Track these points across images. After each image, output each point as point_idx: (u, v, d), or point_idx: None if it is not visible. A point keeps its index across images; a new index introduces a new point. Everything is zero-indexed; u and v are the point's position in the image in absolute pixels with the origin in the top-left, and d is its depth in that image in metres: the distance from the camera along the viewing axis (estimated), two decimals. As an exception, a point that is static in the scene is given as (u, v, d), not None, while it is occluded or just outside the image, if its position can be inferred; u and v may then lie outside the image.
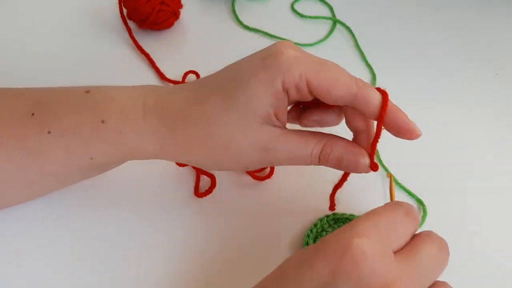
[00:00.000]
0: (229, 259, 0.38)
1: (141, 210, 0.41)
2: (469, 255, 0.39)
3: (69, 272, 0.37)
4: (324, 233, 0.39)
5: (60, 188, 0.39)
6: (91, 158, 0.35)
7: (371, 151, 0.34)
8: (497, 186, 0.44)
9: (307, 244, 0.38)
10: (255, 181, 0.43)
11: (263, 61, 0.33)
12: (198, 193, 0.42)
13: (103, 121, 0.34)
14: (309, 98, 0.33)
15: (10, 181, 0.35)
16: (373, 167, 0.34)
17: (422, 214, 0.41)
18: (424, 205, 0.41)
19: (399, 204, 0.30)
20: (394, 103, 0.34)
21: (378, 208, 0.30)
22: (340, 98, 0.32)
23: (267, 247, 0.39)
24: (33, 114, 0.35)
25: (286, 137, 0.33)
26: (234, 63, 0.35)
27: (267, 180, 0.43)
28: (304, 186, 0.43)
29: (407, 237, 0.29)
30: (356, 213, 0.40)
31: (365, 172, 0.35)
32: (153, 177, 0.43)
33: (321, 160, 0.34)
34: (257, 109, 0.32)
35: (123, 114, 0.34)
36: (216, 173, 0.43)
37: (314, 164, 0.35)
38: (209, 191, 0.42)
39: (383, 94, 0.33)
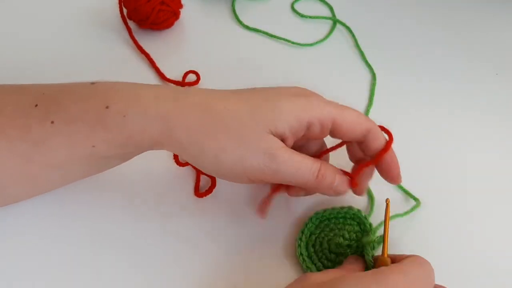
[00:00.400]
0: (229, 258, 0.38)
1: (141, 210, 0.41)
2: (469, 255, 0.40)
3: (68, 272, 0.37)
4: (312, 236, 0.39)
5: (61, 185, 0.39)
6: (93, 146, 0.34)
7: (357, 172, 0.37)
8: (497, 186, 0.44)
9: (301, 254, 0.38)
10: (255, 181, 0.43)
11: (295, 94, 0.36)
12: (198, 193, 0.42)
13: (107, 107, 0.34)
14: (321, 137, 0.36)
15: (12, 174, 0.35)
16: (355, 186, 0.37)
17: (415, 205, 0.41)
18: (417, 199, 0.42)
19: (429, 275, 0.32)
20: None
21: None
22: (359, 134, 0.36)
23: (267, 246, 0.39)
24: (36, 105, 0.35)
25: (289, 150, 0.35)
26: (261, 88, 0.37)
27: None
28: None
29: None
30: (345, 204, 0.40)
31: (344, 193, 0.37)
32: (153, 177, 0.43)
33: (319, 178, 0.35)
34: (278, 125, 0.34)
35: (130, 100, 0.34)
36: (216, 173, 0.43)
37: (311, 181, 0.35)
38: (209, 191, 0.42)
39: (389, 134, 0.37)
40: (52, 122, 0.34)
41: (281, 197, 0.42)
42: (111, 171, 0.39)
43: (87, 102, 0.35)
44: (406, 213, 0.40)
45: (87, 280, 0.37)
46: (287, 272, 0.38)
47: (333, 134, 0.37)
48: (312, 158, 0.36)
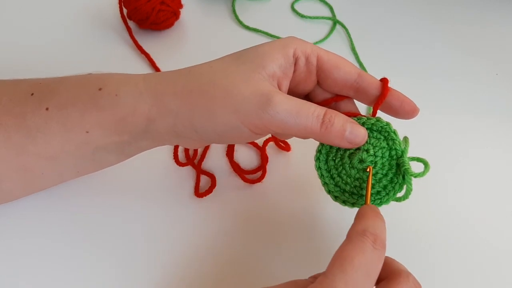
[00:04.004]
0: (229, 258, 0.38)
1: (141, 209, 0.41)
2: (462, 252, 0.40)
3: (68, 272, 0.37)
4: (333, 149, 0.36)
5: (57, 181, 0.38)
6: (87, 132, 0.34)
7: (374, 110, 0.36)
8: (496, 186, 0.44)
9: (319, 168, 0.36)
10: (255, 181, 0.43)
11: (278, 39, 0.36)
12: (198, 193, 0.42)
13: (100, 89, 0.35)
14: (313, 77, 0.36)
15: (7, 166, 0.35)
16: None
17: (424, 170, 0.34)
18: (426, 162, 0.35)
19: (364, 233, 0.29)
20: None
21: (346, 251, 0.29)
22: (348, 73, 0.35)
23: (266, 246, 0.39)
24: (32, 94, 0.35)
25: (285, 94, 0.33)
26: None
27: (266, 181, 0.43)
28: (299, 186, 0.43)
29: (379, 269, 0.29)
30: None
31: (360, 143, 0.34)
32: (153, 177, 0.43)
33: (325, 123, 0.33)
34: (265, 64, 0.33)
35: (122, 81, 0.35)
36: (216, 173, 0.43)
37: (316, 128, 0.33)
38: (209, 191, 0.42)
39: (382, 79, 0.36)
40: (47, 109, 0.34)
41: (285, 196, 0.42)
42: (110, 171, 0.39)
43: (81, 87, 0.35)
44: (420, 174, 0.34)
45: (87, 280, 0.37)
46: (288, 270, 0.38)
47: (321, 75, 0.35)
48: (315, 104, 0.34)
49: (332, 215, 0.41)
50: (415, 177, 0.33)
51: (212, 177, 0.43)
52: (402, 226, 0.40)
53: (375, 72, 0.52)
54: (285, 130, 0.33)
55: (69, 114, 0.34)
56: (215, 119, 0.33)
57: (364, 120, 0.35)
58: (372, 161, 0.34)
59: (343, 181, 0.36)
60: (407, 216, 0.41)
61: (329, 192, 0.36)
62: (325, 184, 0.36)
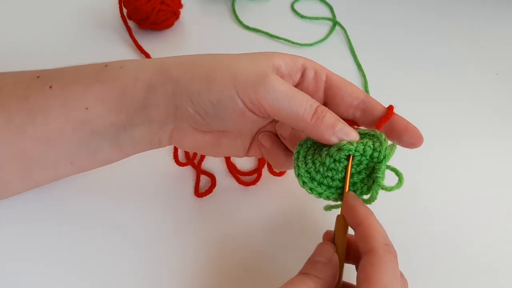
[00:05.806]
0: (229, 258, 0.38)
1: (141, 210, 0.41)
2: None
3: (66, 272, 0.37)
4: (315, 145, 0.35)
5: (50, 173, 0.38)
6: (86, 108, 0.35)
7: (377, 128, 0.35)
8: (496, 186, 0.44)
9: (297, 152, 0.35)
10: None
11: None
12: (198, 193, 0.42)
13: (106, 65, 0.36)
14: (320, 93, 0.36)
15: (6, 150, 0.35)
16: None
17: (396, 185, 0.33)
18: (400, 175, 0.33)
19: (388, 248, 0.30)
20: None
21: (382, 270, 0.29)
22: (355, 92, 0.36)
23: (266, 246, 0.39)
24: (38, 76, 0.36)
25: (284, 80, 0.34)
26: None
27: (266, 182, 0.43)
28: (299, 186, 0.42)
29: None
30: None
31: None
32: (153, 177, 0.43)
33: (317, 114, 0.33)
34: (272, 57, 0.35)
35: (129, 59, 0.36)
36: (216, 173, 0.43)
37: (308, 117, 0.33)
38: (209, 191, 0.42)
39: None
40: (51, 87, 0.35)
41: (284, 196, 0.42)
42: (110, 171, 0.39)
43: (87, 67, 0.36)
44: (389, 188, 0.33)
45: (86, 280, 0.37)
46: (289, 270, 0.38)
47: (328, 93, 0.36)
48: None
49: (331, 215, 0.41)
50: (382, 189, 0.33)
51: (212, 177, 0.43)
52: (401, 226, 0.40)
53: (374, 72, 0.53)
54: (277, 112, 0.33)
55: (72, 90, 0.35)
56: (212, 85, 0.33)
57: (360, 130, 0.35)
58: (350, 150, 0.33)
59: (315, 169, 0.34)
60: (406, 216, 0.41)
61: (298, 175, 0.35)
62: (296, 166, 0.35)
